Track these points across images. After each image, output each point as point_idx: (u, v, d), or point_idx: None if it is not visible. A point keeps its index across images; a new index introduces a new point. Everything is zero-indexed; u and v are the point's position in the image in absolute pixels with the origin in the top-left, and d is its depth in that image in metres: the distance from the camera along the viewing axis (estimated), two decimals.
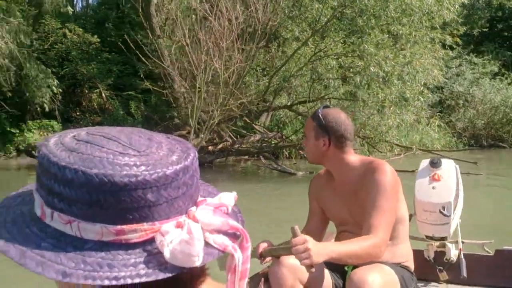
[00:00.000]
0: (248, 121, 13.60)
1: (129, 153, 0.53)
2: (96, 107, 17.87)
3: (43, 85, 12.01)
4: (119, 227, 0.51)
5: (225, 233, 0.56)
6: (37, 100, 12.10)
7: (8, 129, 14.94)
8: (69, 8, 12.14)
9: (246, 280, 0.58)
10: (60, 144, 0.54)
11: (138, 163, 0.52)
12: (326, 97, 12.11)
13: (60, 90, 13.02)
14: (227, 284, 0.58)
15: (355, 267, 1.89)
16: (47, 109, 12.54)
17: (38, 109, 12.84)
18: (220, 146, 12.95)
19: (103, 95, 17.79)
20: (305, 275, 1.80)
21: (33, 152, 14.64)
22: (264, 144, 13.33)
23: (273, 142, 13.68)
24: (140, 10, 14.55)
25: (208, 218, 0.55)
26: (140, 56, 14.38)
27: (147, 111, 18.14)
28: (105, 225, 0.51)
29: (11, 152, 14.71)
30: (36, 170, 0.55)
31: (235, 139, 13.62)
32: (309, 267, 1.59)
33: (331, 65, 12.20)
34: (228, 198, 0.60)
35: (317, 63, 12.36)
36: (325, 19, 11.88)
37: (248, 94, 11.38)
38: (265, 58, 13.21)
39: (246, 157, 14.01)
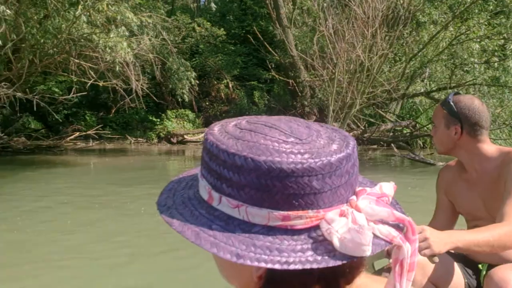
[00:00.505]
0: (378, 110, 13.29)
1: (292, 141, 0.54)
2: (223, 97, 18.69)
3: (183, 77, 12.88)
4: (285, 212, 0.52)
5: (389, 224, 0.55)
6: (178, 91, 13.03)
7: (150, 118, 16.30)
8: (212, 5, 12.77)
9: (414, 273, 0.57)
10: (225, 132, 0.57)
11: (302, 150, 0.53)
12: (468, 83, 11.35)
13: (197, 81, 13.87)
14: (393, 276, 0.56)
15: (490, 265, 1.75)
16: (186, 100, 13.45)
17: (179, 99, 13.83)
18: (351, 134, 12.83)
19: (230, 85, 18.54)
20: (434, 272, 1.70)
21: (171, 139, 15.84)
22: (397, 133, 12.90)
23: (405, 131, 13.20)
24: (267, 1, 14.87)
25: (371, 208, 0.55)
26: (268, 46, 14.75)
27: (271, 100, 18.57)
28: (271, 210, 0.52)
29: (153, 139, 16.05)
30: (203, 156, 0.57)
31: (362, 128, 13.39)
32: (431, 257, 1.49)
33: (473, 49, 11.39)
34: (389, 188, 0.59)
35: (458, 47, 11.62)
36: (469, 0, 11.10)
37: (384, 82, 11.07)
38: (399, 44, 12.75)
39: (375, 146, 13.70)
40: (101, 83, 9.80)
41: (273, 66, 16.11)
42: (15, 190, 8.12)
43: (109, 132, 15.93)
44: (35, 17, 8.78)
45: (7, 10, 6.98)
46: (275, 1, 14.57)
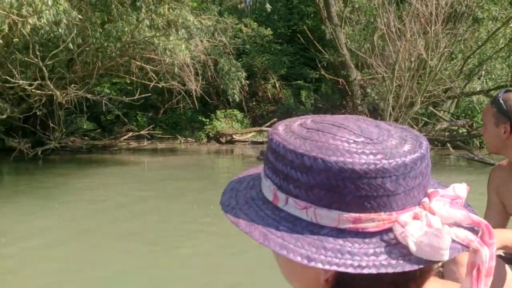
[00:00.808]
0: (433, 109, 12.98)
1: (362, 141, 0.53)
2: (270, 97, 18.75)
3: (234, 78, 13.02)
4: (356, 215, 0.51)
5: (464, 227, 0.53)
6: (229, 91, 13.19)
7: (200, 118, 16.58)
8: (268, 5, 12.80)
9: (491, 278, 0.54)
10: (290, 132, 0.55)
11: (374, 151, 0.51)
12: None
13: (247, 82, 14.00)
14: (469, 281, 0.54)
15: None
16: (237, 100, 13.60)
17: (230, 99, 14.01)
18: None
19: (277, 85, 18.57)
20: None
21: (220, 138, 16.05)
22: (453, 133, 12.56)
23: (461, 131, 12.83)
24: (317, 1, 14.80)
25: (446, 211, 0.53)
26: (317, 45, 14.68)
27: (318, 99, 18.47)
28: (341, 212, 0.51)
29: (202, 138, 16.31)
30: (267, 156, 0.56)
31: (418, 127, 13.11)
32: None
33: None
34: (462, 189, 0.56)
35: None
36: None
37: (446, 79, 10.81)
38: (457, 41, 12.41)
39: (430, 146, 13.37)
40: (161, 85, 10.05)
41: (322, 65, 16.04)
42: (79, 185, 8.53)
43: (160, 132, 16.31)
44: (98, 21, 9.10)
45: (79, 16, 7.29)
46: (326, 1, 14.49)
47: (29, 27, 6.78)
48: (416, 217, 0.52)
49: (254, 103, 18.98)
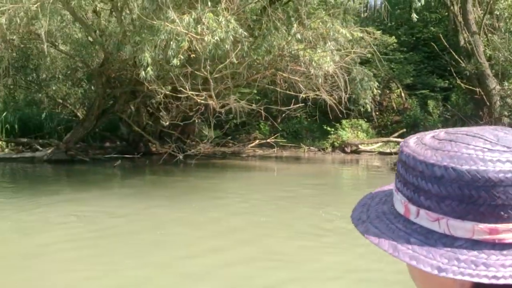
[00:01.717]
0: None
1: (499, 149, 0.50)
2: (394, 106, 18.33)
3: (366, 87, 12.97)
4: (492, 225, 0.49)
5: None
6: (361, 101, 13.18)
7: (325, 127, 16.73)
8: (414, 15, 12.65)
9: None
10: (421, 144, 0.54)
11: (511, 159, 0.49)
12: None
13: (379, 91, 13.87)
14: None
15: None
16: (369, 109, 13.54)
17: (361, 109, 13.98)
18: None
19: (402, 94, 18.10)
20: None
21: (345, 148, 16.05)
22: None
23: None
24: (452, 8, 14.21)
25: None
26: (455, 54, 14.07)
27: (448, 109, 17.65)
28: (476, 223, 0.49)
29: (326, 147, 16.44)
30: (398, 169, 0.56)
31: None
32: None
33: None
34: None
35: None
36: None
37: None
38: None
39: None
40: (307, 95, 10.40)
41: (453, 73, 15.32)
42: (226, 186, 9.21)
43: (285, 140, 16.76)
44: (250, 38, 9.66)
45: (244, 32, 7.85)
46: (464, 7, 13.87)
47: (204, 44, 7.46)
48: None
49: (377, 113, 18.68)
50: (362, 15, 18.98)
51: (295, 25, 8.73)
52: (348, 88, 10.66)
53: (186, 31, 7.30)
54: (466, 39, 14.12)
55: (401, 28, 21.47)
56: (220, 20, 7.35)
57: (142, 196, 8.48)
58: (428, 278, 0.53)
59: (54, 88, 13.95)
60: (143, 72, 7.75)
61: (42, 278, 4.21)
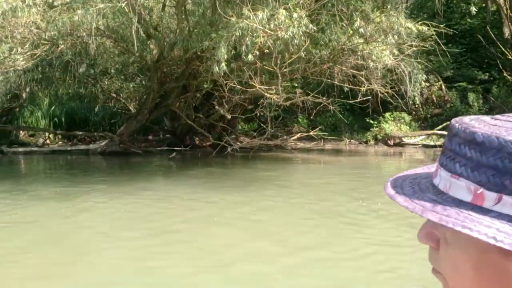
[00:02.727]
0: None
1: None
2: (434, 99, 18.35)
3: (416, 80, 13.06)
4: None
5: None
6: (410, 93, 13.28)
7: (368, 120, 16.88)
8: (473, 8, 12.65)
9: None
10: (474, 120, 0.54)
11: None
12: None
13: (427, 84, 13.96)
14: None
15: None
16: (417, 102, 13.62)
17: (410, 102, 14.09)
18: None
19: (443, 87, 18.11)
20: None
21: (388, 141, 16.18)
22: None
23: None
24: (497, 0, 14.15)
25: None
26: (501, 46, 14.05)
27: (489, 102, 17.62)
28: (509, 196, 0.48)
29: (369, 140, 16.61)
30: (464, 153, 0.52)
31: None
32: None
33: None
34: None
35: None
36: None
37: None
38: None
39: None
40: (368, 87, 10.58)
41: (496, 65, 15.28)
42: (279, 178, 9.48)
43: (326, 133, 16.96)
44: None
45: (314, 27, 8.09)
46: None
47: (277, 39, 7.72)
48: None
49: (416, 106, 18.72)
50: (401, 6, 18.94)
51: (358, 20, 8.93)
52: (407, 80, 10.77)
53: (262, 27, 7.57)
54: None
55: (435, 20, 21.39)
56: (293, 16, 7.60)
57: (213, 185, 8.82)
58: (482, 262, 0.50)
59: (106, 82, 14.40)
60: (216, 68, 8.05)
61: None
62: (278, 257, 4.61)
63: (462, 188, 0.51)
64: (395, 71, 11.98)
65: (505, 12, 14.44)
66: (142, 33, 11.80)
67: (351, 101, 11.38)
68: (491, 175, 0.49)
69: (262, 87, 9.04)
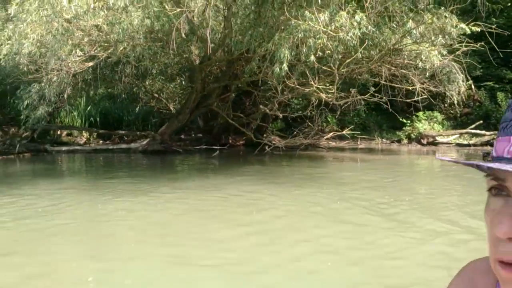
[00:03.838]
0: None
1: None
2: (464, 98, 18.50)
3: (454, 79, 13.26)
4: None
5: None
6: (448, 93, 13.49)
7: (401, 119, 17.10)
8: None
9: None
10: None
11: None
12: None
13: (468, 83, 14.15)
14: None
15: None
16: (456, 101, 13.82)
17: (448, 102, 14.31)
18: None
19: (472, 86, 18.25)
20: None
21: (422, 140, 16.39)
22: None
23: None
24: None
25: None
26: None
27: None
28: None
29: (402, 139, 16.82)
30: None
31: None
32: None
33: None
34: None
35: None
36: None
37: None
38: None
39: None
40: (414, 87, 10.82)
41: None
42: (319, 175, 9.71)
43: (359, 132, 17.21)
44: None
45: (372, 29, 8.36)
46: None
47: (337, 41, 8.00)
48: None
49: (446, 105, 18.90)
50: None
51: (410, 21, 9.18)
52: (449, 80, 10.99)
53: (324, 29, 7.84)
54: None
55: (461, 18, 21.51)
56: (355, 18, 7.87)
57: (262, 181, 9.08)
58: None
59: (147, 83, 14.76)
60: (277, 69, 8.33)
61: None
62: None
63: None
64: (441, 71, 12.19)
65: None
66: (184, 34, 12.12)
67: (402, 99, 11.52)
68: None
69: (320, 86, 9.32)
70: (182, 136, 17.07)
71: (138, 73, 13.00)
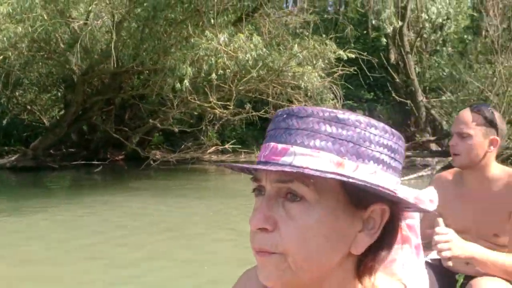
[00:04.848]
0: None
1: None
2: None
3: (326, 99, 14.62)
4: None
5: None
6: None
7: None
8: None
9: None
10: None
11: None
12: None
13: (334, 103, 15.63)
14: None
15: (467, 276, 1.78)
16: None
17: None
18: None
19: (337, 105, 20.25)
20: None
21: None
22: None
23: None
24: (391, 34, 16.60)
25: None
26: (391, 70, 16.42)
27: (376, 117, 20.17)
28: None
29: None
30: (290, 124, 0.63)
31: None
32: (447, 259, 1.53)
33: None
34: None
35: None
36: None
37: None
38: None
39: None
40: (295, 105, 11.60)
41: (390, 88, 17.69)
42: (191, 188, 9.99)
43: (242, 147, 17.74)
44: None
45: (267, 51, 8.95)
46: (400, 31, 16.31)
47: (236, 61, 8.42)
48: None
49: None
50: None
51: (296, 45, 10.03)
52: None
53: (224, 49, 8.20)
54: (398, 57, 16.67)
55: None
56: (252, 40, 8.38)
57: (157, 198, 8.93)
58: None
59: (17, 93, 13.48)
60: (178, 84, 8.43)
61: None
62: None
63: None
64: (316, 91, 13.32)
65: (392, 40, 16.98)
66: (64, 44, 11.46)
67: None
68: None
69: (218, 102, 9.61)
70: (52, 151, 15.82)
71: (9, 83, 11.83)
